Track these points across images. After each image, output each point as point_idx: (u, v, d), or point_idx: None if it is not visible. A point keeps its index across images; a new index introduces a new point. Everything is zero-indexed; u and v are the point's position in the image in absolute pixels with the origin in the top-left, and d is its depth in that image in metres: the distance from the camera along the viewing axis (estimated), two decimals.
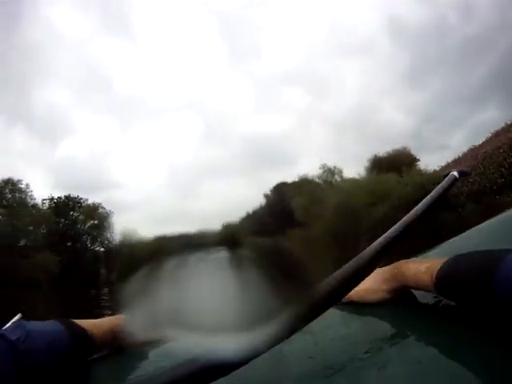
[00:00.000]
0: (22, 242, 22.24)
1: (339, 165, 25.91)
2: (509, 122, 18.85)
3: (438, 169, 20.97)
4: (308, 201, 21.46)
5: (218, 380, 0.39)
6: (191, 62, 45.70)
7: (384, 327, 0.58)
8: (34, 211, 23.51)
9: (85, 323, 0.64)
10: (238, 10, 45.87)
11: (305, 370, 0.50)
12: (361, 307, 0.65)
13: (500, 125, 19.68)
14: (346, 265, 0.49)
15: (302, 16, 45.21)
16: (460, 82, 35.19)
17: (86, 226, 25.59)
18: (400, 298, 0.65)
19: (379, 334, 0.54)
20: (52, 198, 25.18)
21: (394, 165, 21.14)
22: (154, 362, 0.65)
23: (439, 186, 0.77)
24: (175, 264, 0.72)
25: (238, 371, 0.40)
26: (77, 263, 22.55)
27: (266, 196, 27.94)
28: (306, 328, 0.45)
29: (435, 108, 35.25)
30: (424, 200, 0.70)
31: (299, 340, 0.43)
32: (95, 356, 0.66)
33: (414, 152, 24.25)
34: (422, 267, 0.59)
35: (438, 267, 0.55)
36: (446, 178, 0.81)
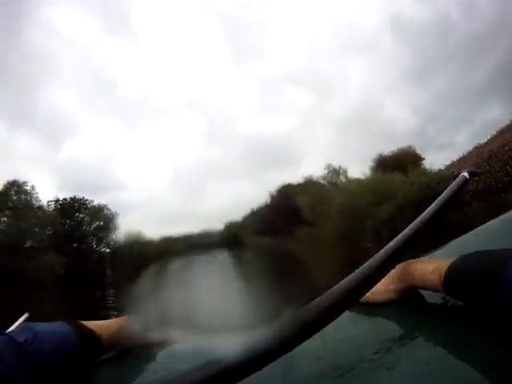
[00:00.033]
0: (27, 244, 22.36)
1: (344, 164, 25.92)
2: None
3: (443, 168, 20.88)
4: (314, 201, 21.45)
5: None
6: (194, 63, 45.83)
7: (392, 328, 0.58)
8: (39, 213, 23.62)
9: (92, 325, 0.64)
10: (240, 10, 45.95)
11: (314, 370, 0.50)
12: (369, 308, 0.65)
13: (505, 122, 19.55)
14: (360, 268, 0.49)
15: (305, 15, 45.24)
16: (464, 79, 35.02)
17: (92, 228, 25.69)
18: (408, 298, 0.65)
19: (388, 335, 0.54)
20: (57, 200, 25.30)
21: (399, 164, 21.07)
22: (162, 363, 0.65)
23: (450, 187, 0.76)
24: (180, 266, 0.72)
25: None
26: (82, 264, 22.63)
27: (271, 196, 27.96)
28: None
29: (439, 106, 35.16)
30: (435, 202, 0.69)
31: (308, 341, 0.42)
32: (103, 357, 0.66)
33: (418, 151, 24.26)
34: (430, 267, 0.59)
35: (446, 267, 0.55)
36: (457, 179, 0.79)
